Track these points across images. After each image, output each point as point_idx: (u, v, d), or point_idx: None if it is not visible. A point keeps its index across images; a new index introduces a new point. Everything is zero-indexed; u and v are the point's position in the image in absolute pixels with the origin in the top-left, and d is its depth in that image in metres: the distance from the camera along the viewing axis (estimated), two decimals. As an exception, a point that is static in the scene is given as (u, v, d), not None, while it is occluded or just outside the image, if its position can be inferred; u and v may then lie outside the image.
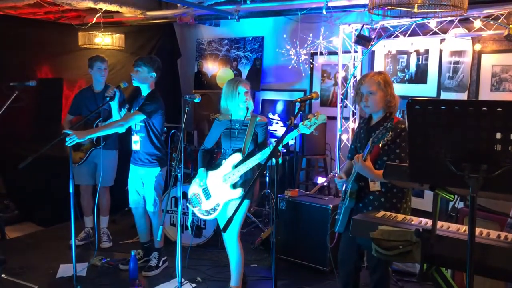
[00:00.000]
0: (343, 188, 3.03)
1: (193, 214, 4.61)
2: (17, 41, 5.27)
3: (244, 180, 3.44)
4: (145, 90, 3.97)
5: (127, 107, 4.05)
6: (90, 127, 4.48)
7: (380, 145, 2.69)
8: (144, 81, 3.92)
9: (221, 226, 3.59)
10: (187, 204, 3.73)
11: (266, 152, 3.24)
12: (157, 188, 4.01)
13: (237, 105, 3.45)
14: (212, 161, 3.81)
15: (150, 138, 3.94)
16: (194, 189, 3.63)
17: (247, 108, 3.47)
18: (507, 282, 3.09)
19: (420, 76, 5.19)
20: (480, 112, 1.64)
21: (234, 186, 3.42)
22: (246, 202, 3.42)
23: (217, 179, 3.50)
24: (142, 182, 4.04)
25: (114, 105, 3.90)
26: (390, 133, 2.62)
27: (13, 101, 3.89)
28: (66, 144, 3.48)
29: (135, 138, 3.98)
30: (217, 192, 3.48)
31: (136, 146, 3.98)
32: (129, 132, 4.03)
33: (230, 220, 2.31)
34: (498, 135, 1.63)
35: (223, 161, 3.50)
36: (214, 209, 3.50)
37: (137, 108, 3.87)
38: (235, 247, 3.46)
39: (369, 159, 2.74)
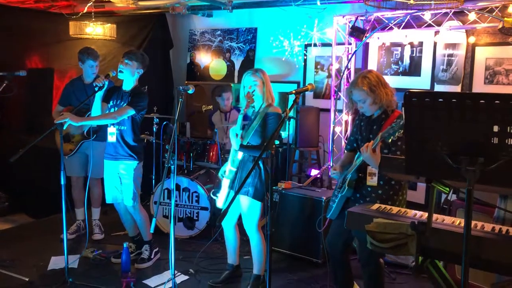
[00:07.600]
0: (340, 178, 3.05)
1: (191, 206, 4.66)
2: (6, 30, 5.17)
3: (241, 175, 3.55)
4: (129, 85, 3.89)
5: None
6: None
7: (390, 141, 2.68)
8: (131, 75, 3.85)
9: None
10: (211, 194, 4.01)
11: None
12: (135, 181, 3.93)
13: (242, 98, 3.53)
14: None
15: (133, 131, 3.88)
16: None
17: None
18: (499, 275, 3.11)
19: (414, 69, 5.19)
20: (478, 105, 1.63)
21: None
22: (258, 203, 3.51)
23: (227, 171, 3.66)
24: (120, 176, 3.96)
25: (99, 94, 3.83)
26: (401, 130, 2.60)
27: (2, 91, 3.83)
28: (59, 125, 3.44)
29: (111, 130, 3.88)
30: (224, 183, 3.64)
31: (112, 138, 3.88)
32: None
33: (224, 213, 2.30)
34: (495, 128, 1.62)
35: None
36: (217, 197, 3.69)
37: (127, 103, 3.80)
38: (255, 236, 3.57)
39: (379, 150, 2.74)
